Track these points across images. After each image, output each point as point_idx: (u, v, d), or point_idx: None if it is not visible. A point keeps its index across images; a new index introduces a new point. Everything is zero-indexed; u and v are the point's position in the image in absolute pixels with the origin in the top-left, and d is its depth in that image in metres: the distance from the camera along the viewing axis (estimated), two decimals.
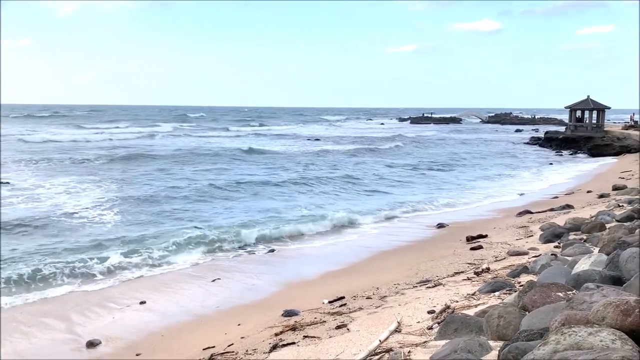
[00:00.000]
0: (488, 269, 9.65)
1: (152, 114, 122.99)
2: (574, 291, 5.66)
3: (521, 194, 22.10)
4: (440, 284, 9.26)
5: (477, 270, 9.75)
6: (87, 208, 17.55)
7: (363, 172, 29.02)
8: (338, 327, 7.59)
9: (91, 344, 7.85)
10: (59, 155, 34.65)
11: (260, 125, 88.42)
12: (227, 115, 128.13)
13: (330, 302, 9.30)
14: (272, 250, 13.38)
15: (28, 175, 24.72)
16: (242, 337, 7.92)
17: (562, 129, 54.17)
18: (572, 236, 11.37)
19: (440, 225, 15.82)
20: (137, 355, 7.56)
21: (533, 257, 10.06)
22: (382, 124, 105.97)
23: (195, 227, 14.78)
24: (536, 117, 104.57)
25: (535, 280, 7.03)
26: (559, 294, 5.58)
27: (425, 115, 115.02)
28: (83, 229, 14.90)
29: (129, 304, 9.66)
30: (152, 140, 51.12)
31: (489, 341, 5.17)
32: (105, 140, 48.95)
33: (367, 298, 9.18)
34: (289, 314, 8.77)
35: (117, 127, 71.63)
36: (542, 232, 12.61)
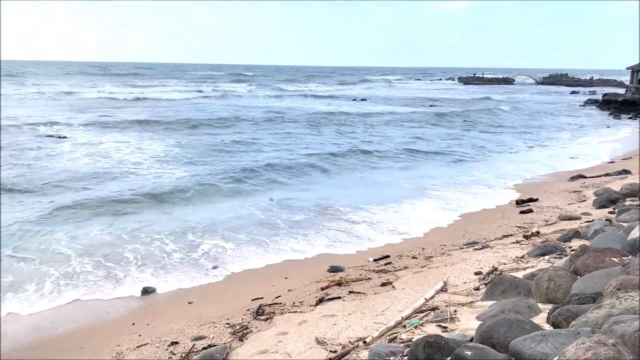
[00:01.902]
0: (538, 232, 9.47)
1: (206, 73, 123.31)
2: (629, 257, 5.51)
3: (574, 158, 21.31)
4: (487, 246, 9.19)
5: (526, 234, 9.59)
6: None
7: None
8: (383, 285, 7.69)
9: (145, 291, 8.24)
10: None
11: (321, 85, 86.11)
12: (276, 74, 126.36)
13: (375, 260, 9.39)
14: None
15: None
16: (289, 290, 8.14)
17: (621, 91, 51.34)
18: (628, 202, 10.97)
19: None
20: (189, 303, 7.89)
21: (586, 222, 9.80)
22: (432, 82, 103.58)
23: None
24: (594, 78, 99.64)
25: (588, 245, 6.86)
26: (614, 259, 5.45)
27: (476, 75, 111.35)
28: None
29: None
30: (228, 99, 49.68)
31: (537, 304, 5.13)
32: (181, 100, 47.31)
33: (412, 258, 9.22)
34: (334, 269, 8.93)
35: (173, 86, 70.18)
36: (596, 197, 12.22)
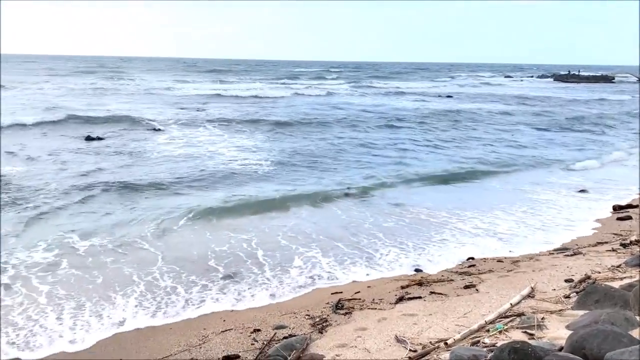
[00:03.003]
0: (637, 241, 8.83)
1: (290, 70, 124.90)
2: None
3: None
4: (580, 253, 8.70)
5: (624, 242, 8.98)
6: None
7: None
8: (466, 287, 7.51)
9: (229, 277, 8.58)
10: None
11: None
12: (360, 71, 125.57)
13: (468, 258, 9.18)
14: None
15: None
16: (368, 287, 8.16)
17: None
18: None
19: (582, 191, 14.64)
20: (270, 295, 8.13)
21: None
22: (522, 80, 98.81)
23: None
24: None
25: None
26: None
27: (572, 72, 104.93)
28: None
29: None
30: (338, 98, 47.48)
31: (636, 316, 4.81)
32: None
33: (498, 261, 8.92)
34: (415, 269, 8.83)
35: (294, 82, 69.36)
36: None
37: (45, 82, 50.81)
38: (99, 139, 21.44)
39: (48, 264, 8.71)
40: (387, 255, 9.51)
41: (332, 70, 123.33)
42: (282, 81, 71.14)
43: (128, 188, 13.61)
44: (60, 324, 6.85)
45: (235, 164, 17.17)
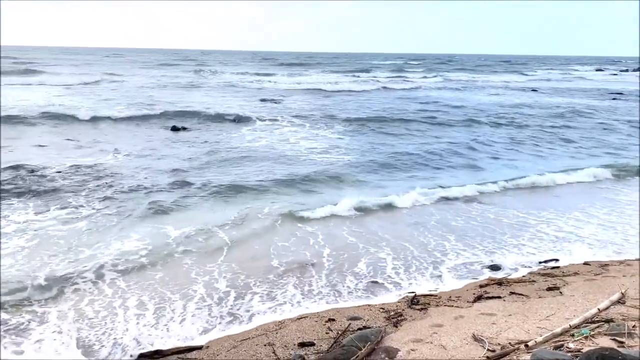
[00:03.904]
0: None
1: (368, 62, 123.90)
2: None
3: None
4: None
5: None
6: None
7: None
8: (549, 289, 7.21)
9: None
10: None
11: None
12: (441, 64, 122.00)
13: (540, 262, 8.81)
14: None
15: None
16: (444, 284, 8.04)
17: None
18: None
19: None
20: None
21: None
22: (616, 74, 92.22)
23: None
24: None
25: None
26: None
27: None
28: None
29: None
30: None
31: None
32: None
33: (584, 264, 8.48)
34: (494, 268, 8.59)
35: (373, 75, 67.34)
36: None
37: (131, 76, 53.57)
38: (184, 129, 22.45)
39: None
40: (459, 256, 9.30)
41: (412, 62, 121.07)
42: (364, 74, 70.28)
43: (217, 179, 14.15)
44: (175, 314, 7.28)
45: (318, 157, 17.34)
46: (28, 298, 7.23)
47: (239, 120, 25.17)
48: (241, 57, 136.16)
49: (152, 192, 12.48)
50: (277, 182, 13.69)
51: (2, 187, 12.35)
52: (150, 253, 8.88)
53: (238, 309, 7.20)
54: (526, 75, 79.60)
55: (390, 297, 7.53)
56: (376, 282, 8.06)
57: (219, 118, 25.64)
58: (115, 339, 6.38)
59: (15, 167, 14.17)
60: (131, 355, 6.04)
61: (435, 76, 68.37)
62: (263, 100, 34.97)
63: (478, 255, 9.17)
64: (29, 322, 6.66)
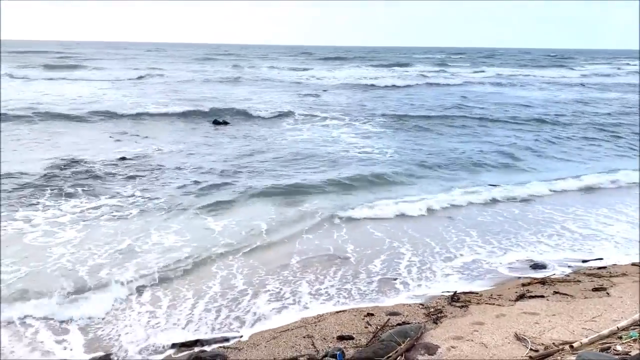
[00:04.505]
0: None
1: (407, 55, 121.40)
2: None
3: None
4: None
5: None
6: None
7: None
8: (595, 290, 7.01)
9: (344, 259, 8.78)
10: None
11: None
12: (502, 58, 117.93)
13: (584, 261, 8.58)
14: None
15: None
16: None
17: None
18: None
19: None
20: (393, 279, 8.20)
21: None
22: None
23: None
24: None
25: None
26: None
27: None
28: None
29: None
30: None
31: None
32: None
33: (632, 264, 8.20)
34: (536, 266, 8.40)
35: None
36: None
37: (173, 71, 54.42)
38: (225, 123, 22.77)
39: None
40: (505, 253, 9.15)
41: (454, 56, 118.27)
42: (406, 68, 68.90)
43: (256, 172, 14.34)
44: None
45: (361, 154, 17.29)
46: (77, 290, 7.48)
47: (280, 114, 25.28)
48: (279, 51, 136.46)
49: (195, 186, 12.73)
50: (321, 180, 13.60)
51: (54, 180, 12.85)
52: (191, 246, 9.10)
53: (282, 301, 7.31)
54: (573, 69, 76.78)
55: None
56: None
57: (260, 112, 25.79)
58: (167, 324, 6.59)
59: (66, 160, 14.72)
60: (164, 347, 6.20)
61: (482, 71, 65.73)
62: (302, 94, 35.08)
63: (520, 253, 9.01)
64: (74, 312, 6.93)
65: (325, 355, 5.55)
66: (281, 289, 7.65)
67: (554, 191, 13.22)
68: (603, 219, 10.93)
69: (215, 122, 22.80)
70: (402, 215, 11.07)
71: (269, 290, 7.58)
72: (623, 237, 9.81)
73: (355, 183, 13.42)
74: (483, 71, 65.40)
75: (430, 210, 11.39)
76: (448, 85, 45.60)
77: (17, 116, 21.52)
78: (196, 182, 13.00)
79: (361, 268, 8.36)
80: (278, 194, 12.33)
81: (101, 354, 5.98)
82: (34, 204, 10.96)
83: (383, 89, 41.21)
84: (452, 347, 5.60)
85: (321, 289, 7.64)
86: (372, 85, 43.70)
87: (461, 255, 8.94)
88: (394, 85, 43.28)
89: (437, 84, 45.65)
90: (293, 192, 12.45)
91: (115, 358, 5.93)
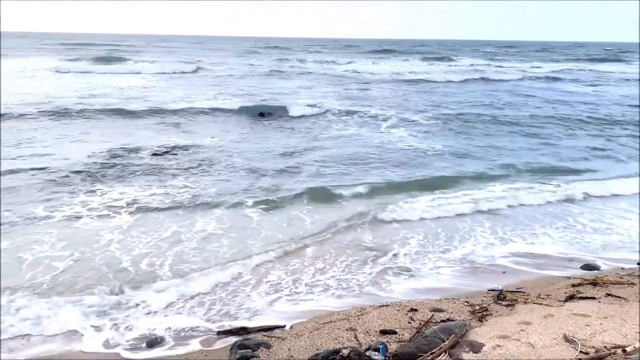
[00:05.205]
0: None
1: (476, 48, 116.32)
2: None
3: None
4: None
5: None
6: None
7: None
8: None
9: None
10: None
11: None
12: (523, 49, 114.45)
13: (639, 263, 8.25)
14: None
15: None
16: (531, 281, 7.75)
17: None
18: None
19: None
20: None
21: None
22: None
23: None
24: None
25: None
26: None
27: None
28: None
29: None
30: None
31: None
32: None
33: None
34: (588, 267, 8.14)
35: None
36: None
37: (221, 64, 55.07)
38: (269, 114, 22.98)
39: None
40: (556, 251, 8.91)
41: (506, 49, 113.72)
42: (456, 61, 66.48)
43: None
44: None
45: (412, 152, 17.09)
46: (129, 280, 7.74)
47: (324, 108, 25.14)
48: (323, 45, 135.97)
49: (244, 177, 13.00)
50: (370, 177, 13.47)
51: (110, 168, 13.38)
52: (230, 233, 9.28)
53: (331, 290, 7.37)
54: (630, 64, 72.68)
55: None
56: None
57: (305, 106, 25.58)
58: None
59: (122, 149, 15.29)
60: (210, 330, 6.36)
61: (538, 67, 61.01)
62: (347, 88, 34.91)
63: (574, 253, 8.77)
64: (128, 301, 7.19)
65: (368, 349, 5.55)
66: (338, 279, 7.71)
67: None
68: None
69: (261, 115, 23.01)
70: None
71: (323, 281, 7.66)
72: None
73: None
74: (539, 67, 60.93)
75: None
76: (503, 80, 43.42)
77: (64, 110, 21.61)
78: (242, 173, 13.29)
79: None
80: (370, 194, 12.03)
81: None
82: (91, 190, 11.58)
83: (438, 83, 39.81)
84: (498, 345, 5.50)
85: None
86: (425, 80, 42.02)
87: None
88: (448, 81, 41.50)
89: (493, 80, 43.47)
90: (379, 191, 12.15)
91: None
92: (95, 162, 13.76)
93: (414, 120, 22.60)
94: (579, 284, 7.31)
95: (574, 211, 11.22)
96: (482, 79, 43.87)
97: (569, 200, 11.95)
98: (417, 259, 8.65)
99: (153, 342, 6.10)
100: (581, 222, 10.54)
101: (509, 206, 11.36)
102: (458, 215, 10.79)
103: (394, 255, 8.74)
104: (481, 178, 13.48)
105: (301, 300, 7.24)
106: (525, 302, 6.78)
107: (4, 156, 13.98)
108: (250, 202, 11.10)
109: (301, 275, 7.96)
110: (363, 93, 32.35)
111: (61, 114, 20.75)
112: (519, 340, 5.60)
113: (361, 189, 12.09)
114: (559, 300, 6.74)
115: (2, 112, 19.98)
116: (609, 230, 10.12)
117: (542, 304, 6.69)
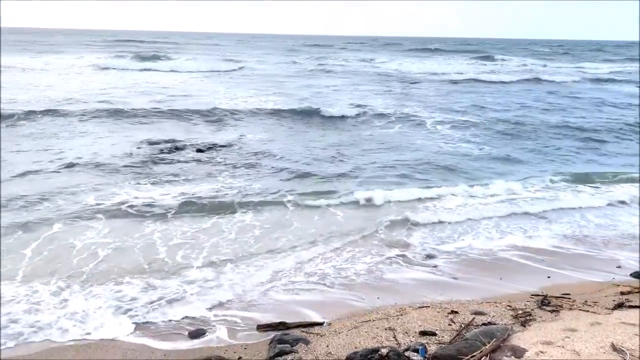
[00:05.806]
0: None
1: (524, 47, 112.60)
2: None
3: None
4: None
5: None
6: None
7: None
8: None
9: (429, 257, 8.68)
10: None
11: None
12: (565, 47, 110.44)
13: None
14: None
15: None
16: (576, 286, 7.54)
17: None
18: None
19: None
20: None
21: None
22: None
23: None
24: None
25: None
26: None
27: None
28: None
29: None
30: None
31: None
32: None
33: None
34: (638, 275, 7.85)
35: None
36: None
37: (263, 62, 55.44)
38: (315, 113, 22.97)
39: None
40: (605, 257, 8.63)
41: (557, 48, 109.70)
42: (504, 61, 64.22)
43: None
44: None
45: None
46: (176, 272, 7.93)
47: (368, 108, 24.81)
48: (362, 42, 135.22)
49: (284, 175, 13.14)
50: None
51: (159, 163, 13.78)
52: (262, 235, 9.41)
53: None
54: None
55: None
56: None
57: (354, 107, 24.91)
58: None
59: (165, 147, 15.71)
60: (250, 324, 6.50)
61: (595, 68, 56.71)
62: (389, 89, 34.41)
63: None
64: (176, 291, 7.38)
65: (407, 349, 5.52)
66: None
67: None
68: None
69: (303, 112, 23.08)
70: None
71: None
72: None
73: None
74: (597, 68, 56.90)
75: None
76: (556, 82, 40.26)
77: (112, 108, 21.89)
78: (285, 172, 13.45)
79: None
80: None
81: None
82: (140, 183, 12.02)
83: (492, 84, 38.30)
84: (541, 351, 5.37)
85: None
86: (478, 80, 40.27)
87: None
88: (503, 82, 39.26)
89: (548, 81, 40.54)
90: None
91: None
92: (144, 155, 14.35)
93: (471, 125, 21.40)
94: (629, 292, 7.07)
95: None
96: (536, 79, 41.67)
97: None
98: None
99: (196, 334, 6.25)
100: None
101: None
102: None
103: None
104: None
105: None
106: (571, 309, 6.61)
107: (60, 149, 14.70)
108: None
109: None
110: (407, 91, 31.80)
111: (110, 111, 21.35)
112: (563, 347, 5.46)
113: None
114: (606, 308, 6.53)
115: (54, 108, 20.75)
116: None
117: (588, 311, 6.50)
